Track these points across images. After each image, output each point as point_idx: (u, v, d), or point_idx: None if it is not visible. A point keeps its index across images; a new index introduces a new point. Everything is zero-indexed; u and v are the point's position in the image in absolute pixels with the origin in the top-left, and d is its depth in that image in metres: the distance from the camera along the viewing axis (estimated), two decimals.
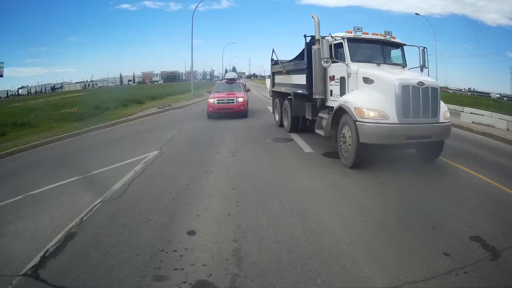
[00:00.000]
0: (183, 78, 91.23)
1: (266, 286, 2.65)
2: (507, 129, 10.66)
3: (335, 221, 3.75)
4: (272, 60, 10.98)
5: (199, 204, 4.33)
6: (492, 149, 7.73)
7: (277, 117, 10.99)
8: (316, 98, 7.31)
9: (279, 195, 4.58)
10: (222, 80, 16.73)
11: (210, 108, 12.77)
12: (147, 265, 2.95)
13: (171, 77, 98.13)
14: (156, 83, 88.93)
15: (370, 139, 5.40)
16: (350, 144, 5.77)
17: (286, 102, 9.66)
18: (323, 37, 6.65)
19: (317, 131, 7.35)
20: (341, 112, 6.10)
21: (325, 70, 7.02)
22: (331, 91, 7.00)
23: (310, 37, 7.67)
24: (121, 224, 3.81)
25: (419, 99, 5.43)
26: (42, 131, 10.88)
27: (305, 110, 8.42)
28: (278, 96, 10.72)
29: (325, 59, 6.48)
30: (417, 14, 26.84)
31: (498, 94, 47.78)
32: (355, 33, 6.66)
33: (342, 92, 6.48)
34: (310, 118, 8.17)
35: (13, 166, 6.95)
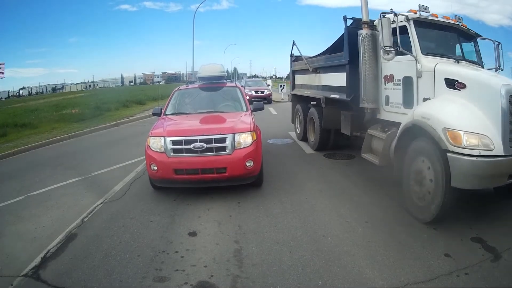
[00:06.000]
0: (184, 79, 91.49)
1: (267, 287, 2.65)
2: None
3: (336, 223, 3.75)
4: (292, 55, 8.93)
5: (200, 205, 4.33)
6: None
7: (298, 129, 8.61)
8: (364, 108, 5.09)
9: (281, 196, 4.58)
10: (189, 84, 6.62)
11: (155, 168, 4.40)
12: (148, 266, 2.96)
13: (172, 78, 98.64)
14: (158, 84, 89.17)
15: (469, 183, 3.32)
16: (430, 187, 3.61)
17: (312, 110, 7.41)
18: (383, 14, 4.35)
19: (365, 155, 5.07)
20: (414, 132, 3.92)
21: (377, 66, 4.91)
22: (387, 97, 4.80)
23: (352, 20, 5.59)
24: (122, 225, 3.82)
25: None
26: (43, 132, 10.94)
27: (341, 122, 6.18)
28: (301, 101, 8.41)
29: (387, 48, 4.16)
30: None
31: None
32: (420, 13, 4.48)
33: (407, 99, 4.39)
34: (348, 133, 5.96)
35: (14, 167, 6.98)
